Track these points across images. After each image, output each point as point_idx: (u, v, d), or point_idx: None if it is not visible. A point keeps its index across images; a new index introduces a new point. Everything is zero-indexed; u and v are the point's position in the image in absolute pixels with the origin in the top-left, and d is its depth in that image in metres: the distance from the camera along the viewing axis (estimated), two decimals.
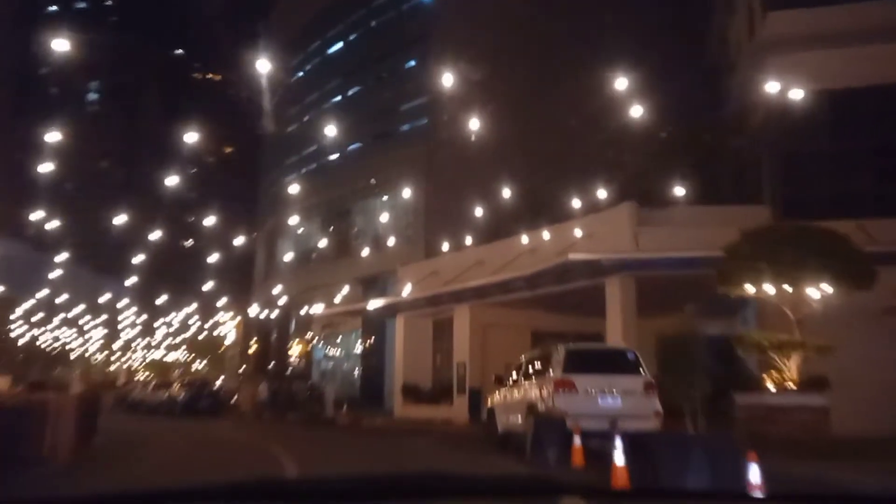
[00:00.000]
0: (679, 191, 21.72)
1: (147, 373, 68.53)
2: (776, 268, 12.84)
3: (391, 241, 33.56)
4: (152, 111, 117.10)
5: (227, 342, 46.53)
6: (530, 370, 13.35)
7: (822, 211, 18.71)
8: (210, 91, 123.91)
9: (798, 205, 19.48)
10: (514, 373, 14.41)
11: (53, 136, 19.81)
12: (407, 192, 30.22)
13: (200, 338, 51.09)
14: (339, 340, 40.55)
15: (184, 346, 57.97)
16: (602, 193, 23.05)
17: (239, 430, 23.98)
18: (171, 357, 63.50)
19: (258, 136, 56.37)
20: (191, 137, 23.75)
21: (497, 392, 15.10)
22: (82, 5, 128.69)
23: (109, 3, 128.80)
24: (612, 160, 24.83)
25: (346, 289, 33.20)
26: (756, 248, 13.72)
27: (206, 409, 31.93)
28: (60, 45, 12.81)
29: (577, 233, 21.67)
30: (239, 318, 37.33)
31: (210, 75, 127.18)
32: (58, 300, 45.38)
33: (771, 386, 14.82)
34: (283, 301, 38.84)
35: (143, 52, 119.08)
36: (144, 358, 70.28)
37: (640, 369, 11.98)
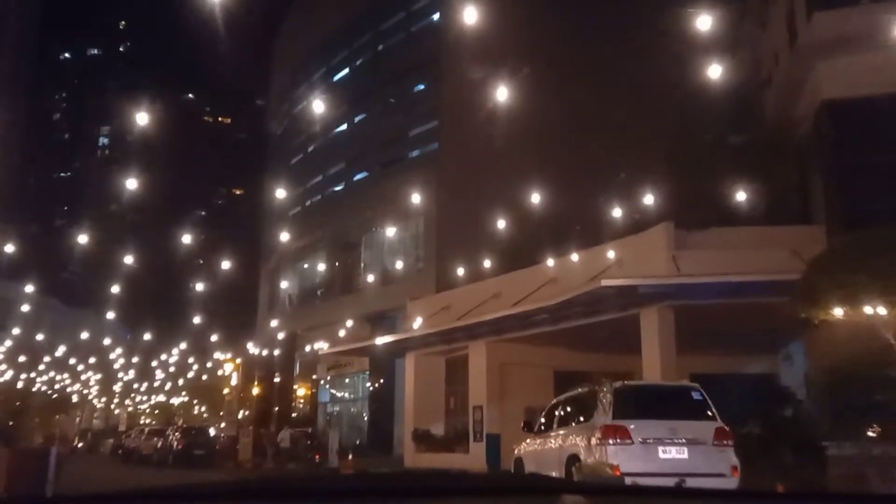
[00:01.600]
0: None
1: (149, 419, 66.07)
2: (880, 282, 10.45)
3: (400, 275, 31.42)
4: (152, 148, 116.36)
5: (232, 384, 44.16)
6: (569, 414, 11.01)
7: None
8: (208, 126, 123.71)
9: (859, 221, 17.18)
10: (546, 417, 12.04)
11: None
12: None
13: (204, 379, 48.66)
14: (346, 382, 38.15)
15: (185, 390, 55.53)
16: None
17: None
18: (177, 401, 60.92)
19: (262, 170, 54.74)
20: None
21: (525, 440, 12.71)
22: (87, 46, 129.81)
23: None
24: (640, 180, 22.70)
25: (351, 326, 30.93)
26: (850, 259, 11.34)
27: (201, 458, 29.51)
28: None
29: (610, 256, 19.43)
30: (238, 359, 35.06)
31: (210, 115, 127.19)
32: (41, 338, 43.29)
33: (871, 433, 12.34)
34: (285, 340, 36.62)
35: (144, 87, 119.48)
36: (149, 402, 67.67)
37: (709, 412, 9.66)
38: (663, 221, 18.99)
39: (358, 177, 37.29)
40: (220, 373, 44.08)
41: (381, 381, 33.33)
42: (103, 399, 65.55)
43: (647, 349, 18.39)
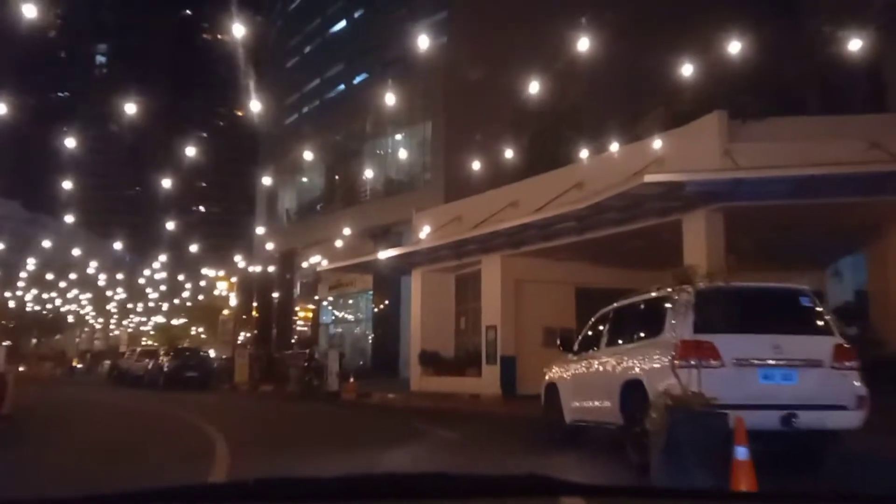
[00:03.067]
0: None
1: (150, 342, 64.63)
2: None
3: (405, 186, 28.81)
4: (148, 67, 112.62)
5: (232, 305, 42.08)
6: (626, 327, 8.52)
7: None
8: (207, 44, 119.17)
9: None
10: (591, 331, 9.56)
11: None
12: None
13: (200, 299, 46.54)
14: (348, 302, 36.04)
15: (183, 311, 53.58)
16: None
17: (208, 405, 19.78)
18: (179, 322, 59.07)
19: (256, 75, 51.27)
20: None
21: (562, 364, 10.29)
22: None
23: None
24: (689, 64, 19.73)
25: (353, 241, 28.49)
26: None
27: (193, 380, 27.62)
28: None
29: (650, 151, 16.67)
30: (233, 278, 32.72)
31: (209, 32, 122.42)
32: (32, 259, 41.20)
33: None
34: (283, 256, 34.32)
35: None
36: (149, 323, 66.07)
37: (825, 322, 7.17)
38: (714, 110, 16.13)
39: (358, 79, 33.99)
40: (215, 293, 41.93)
41: (386, 300, 31.16)
42: (100, 319, 63.95)
43: (690, 261, 15.84)
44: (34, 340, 60.57)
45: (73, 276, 45.46)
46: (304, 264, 32.72)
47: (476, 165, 22.71)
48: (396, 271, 27.02)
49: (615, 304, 8.94)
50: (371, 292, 32.90)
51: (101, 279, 49.12)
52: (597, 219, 17.66)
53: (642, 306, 8.09)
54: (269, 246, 32.46)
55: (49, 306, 56.17)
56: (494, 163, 23.44)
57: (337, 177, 33.62)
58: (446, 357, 23.94)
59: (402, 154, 30.04)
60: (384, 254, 22.81)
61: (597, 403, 8.45)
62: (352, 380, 23.40)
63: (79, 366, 54.04)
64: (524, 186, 21.29)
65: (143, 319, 63.38)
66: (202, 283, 41.29)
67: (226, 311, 35.39)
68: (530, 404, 13.36)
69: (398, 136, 30.46)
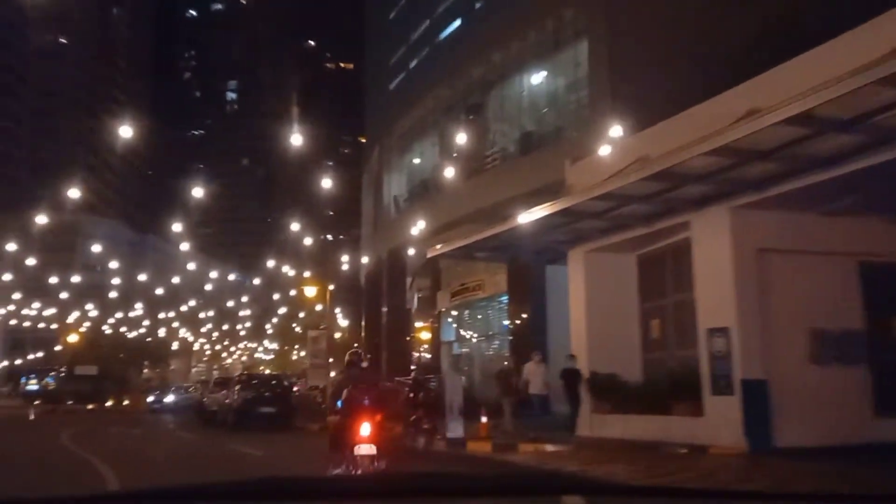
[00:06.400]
0: None
1: (266, 369, 59.03)
2: None
3: (550, 135, 20.37)
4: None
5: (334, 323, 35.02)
6: None
7: None
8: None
9: None
10: None
11: None
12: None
13: (301, 317, 39.85)
14: (476, 311, 27.71)
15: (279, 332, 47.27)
16: None
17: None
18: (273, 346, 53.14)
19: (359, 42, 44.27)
20: None
21: None
22: None
23: None
24: None
25: (479, 227, 20.08)
26: None
27: (268, 417, 20.20)
28: None
29: None
30: (330, 286, 25.39)
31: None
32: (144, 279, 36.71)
33: None
34: (391, 255, 26.60)
35: None
36: (263, 349, 60.63)
37: None
38: None
39: (479, 3, 25.39)
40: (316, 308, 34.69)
41: (527, 304, 22.63)
42: (206, 346, 59.04)
43: None
44: (145, 370, 56.36)
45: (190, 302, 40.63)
46: (411, 250, 24.63)
47: (659, 91, 14.01)
48: (542, 256, 18.43)
49: None
50: (505, 297, 24.45)
51: (228, 303, 44.59)
52: None
53: None
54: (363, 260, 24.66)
55: (159, 333, 51.77)
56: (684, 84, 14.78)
57: (455, 141, 25.65)
58: (631, 384, 15.01)
59: (545, 93, 21.64)
60: (528, 215, 14.17)
61: None
62: (484, 419, 14.97)
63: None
64: (766, 81, 12.13)
65: (253, 345, 57.88)
66: (292, 293, 34.34)
67: (322, 327, 28.11)
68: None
69: (536, 75, 22.05)
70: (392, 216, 31.33)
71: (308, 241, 27.53)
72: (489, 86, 23.73)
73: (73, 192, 22.85)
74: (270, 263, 32.41)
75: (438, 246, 18.13)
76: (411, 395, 14.40)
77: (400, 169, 31.05)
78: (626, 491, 2.17)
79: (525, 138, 22.28)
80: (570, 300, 16.74)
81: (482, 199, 22.40)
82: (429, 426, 13.63)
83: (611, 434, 14.47)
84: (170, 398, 39.89)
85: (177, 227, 28.44)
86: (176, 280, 38.31)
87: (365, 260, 29.71)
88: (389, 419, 9.58)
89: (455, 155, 23.53)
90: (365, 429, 7.98)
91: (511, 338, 24.10)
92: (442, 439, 14.13)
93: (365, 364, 10.48)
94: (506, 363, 16.03)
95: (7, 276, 37.46)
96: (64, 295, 44.45)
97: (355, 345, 23.90)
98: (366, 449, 7.95)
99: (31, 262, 35.34)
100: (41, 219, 26.88)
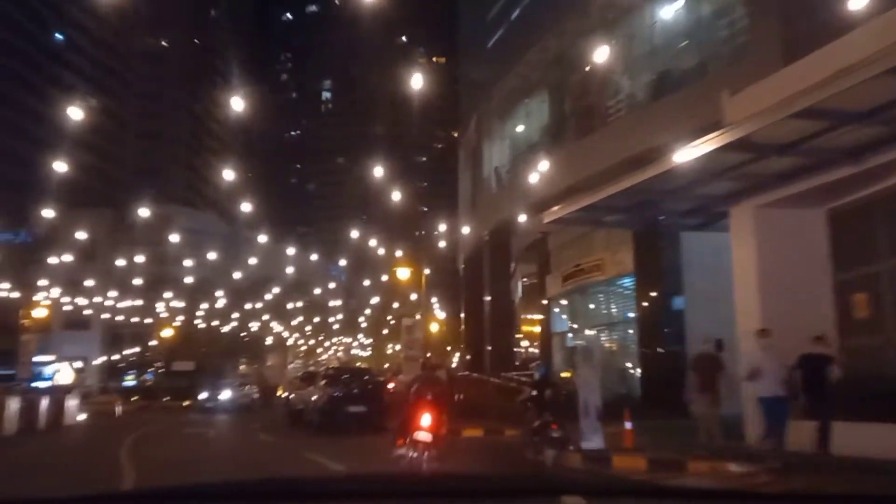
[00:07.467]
0: None
1: (363, 364, 57.07)
2: None
3: (692, 75, 16.57)
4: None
5: (430, 314, 32.12)
6: None
7: None
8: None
9: None
10: None
11: None
12: None
13: (395, 307, 37.07)
14: (593, 298, 24.00)
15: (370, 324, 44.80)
16: None
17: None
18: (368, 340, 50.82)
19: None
20: None
21: None
22: None
23: None
24: None
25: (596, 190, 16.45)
26: None
27: (358, 418, 17.34)
28: None
29: None
30: (426, 270, 22.44)
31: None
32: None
33: None
34: (493, 235, 23.25)
35: None
36: (357, 342, 58.65)
37: None
38: None
39: None
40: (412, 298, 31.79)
41: (659, 283, 18.83)
42: (301, 341, 57.45)
43: None
44: (242, 366, 55.38)
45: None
46: (521, 219, 21.14)
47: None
48: (687, 220, 14.66)
49: None
50: (629, 279, 20.65)
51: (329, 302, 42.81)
52: None
53: None
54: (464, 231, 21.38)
55: (252, 327, 50.53)
56: None
57: (567, 96, 22.02)
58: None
59: (681, 28, 17.83)
60: (685, 153, 10.50)
61: None
62: (628, 425, 11.46)
63: (283, 394, 47.19)
64: None
65: (348, 340, 55.88)
66: (384, 278, 31.56)
67: (417, 316, 25.18)
68: None
69: (669, 5, 18.27)
70: (493, 191, 28.01)
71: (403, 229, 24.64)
72: (607, 23, 20.01)
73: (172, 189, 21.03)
74: (371, 243, 29.86)
75: (555, 208, 14.63)
76: (534, 393, 11.04)
77: (502, 136, 27.68)
78: (625, 491, 2.06)
79: (660, 80, 18.47)
80: (734, 271, 12.91)
81: (602, 158, 18.72)
82: (560, 434, 10.23)
83: (843, 450, 10.24)
84: (225, 395, 34.67)
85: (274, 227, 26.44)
86: (253, 261, 36.41)
87: (465, 234, 26.31)
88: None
89: (569, 112, 19.93)
90: (426, 419, 9.06)
91: (638, 325, 20.30)
92: (576, 451, 10.70)
93: (440, 373, 12.35)
94: (704, 345, 12.17)
95: (111, 272, 36.86)
96: (168, 294, 43.91)
97: (428, 354, 21.16)
98: (423, 436, 9.00)
99: (138, 258, 34.70)
100: (143, 211, 28.36)
